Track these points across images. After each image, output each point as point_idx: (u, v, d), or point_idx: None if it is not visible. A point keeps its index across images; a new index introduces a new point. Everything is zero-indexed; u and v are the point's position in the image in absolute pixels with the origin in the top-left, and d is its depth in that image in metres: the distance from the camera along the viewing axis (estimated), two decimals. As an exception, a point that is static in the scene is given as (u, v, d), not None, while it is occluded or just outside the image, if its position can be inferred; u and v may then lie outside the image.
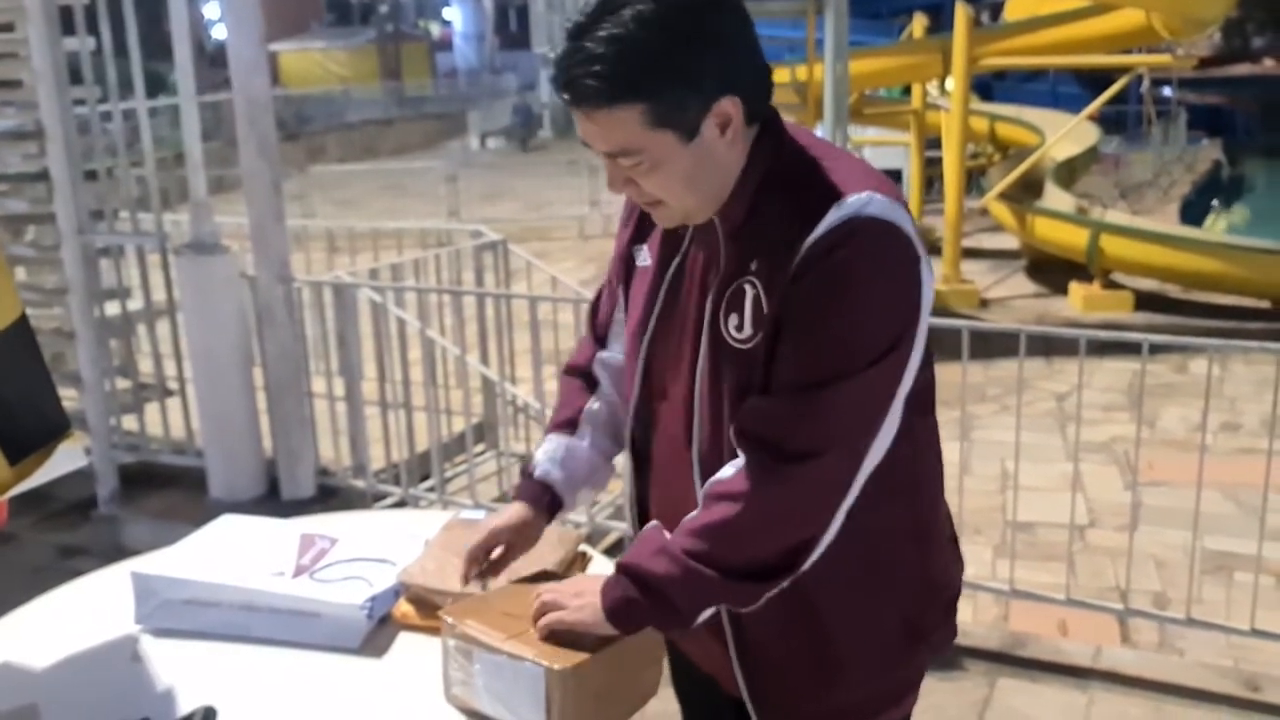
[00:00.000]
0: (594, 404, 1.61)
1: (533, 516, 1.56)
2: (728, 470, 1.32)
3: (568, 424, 1.61)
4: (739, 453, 1.32)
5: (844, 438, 1.29)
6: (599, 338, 1.65)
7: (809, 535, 1.30)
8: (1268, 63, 41.48)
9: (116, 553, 4.02)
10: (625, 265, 1.52)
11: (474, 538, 1.54)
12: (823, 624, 1.41)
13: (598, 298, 1.67)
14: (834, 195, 1.26)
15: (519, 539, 1.55)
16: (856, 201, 1.26)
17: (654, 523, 1.39)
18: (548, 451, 1.60)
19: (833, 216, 1.25)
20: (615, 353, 1.61)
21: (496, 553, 1.54)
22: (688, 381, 1.40)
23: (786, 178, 1.32)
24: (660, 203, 1.33)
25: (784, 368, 1.29)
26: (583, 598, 1.35)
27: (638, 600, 1.32)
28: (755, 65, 1.30)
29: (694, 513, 1.34)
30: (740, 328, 1.32)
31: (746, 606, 1.34)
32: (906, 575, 1.45)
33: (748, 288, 1.31)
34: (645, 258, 1.47)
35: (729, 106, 1.27)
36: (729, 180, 1.33)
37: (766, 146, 1.33)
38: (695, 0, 1.23)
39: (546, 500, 1.57)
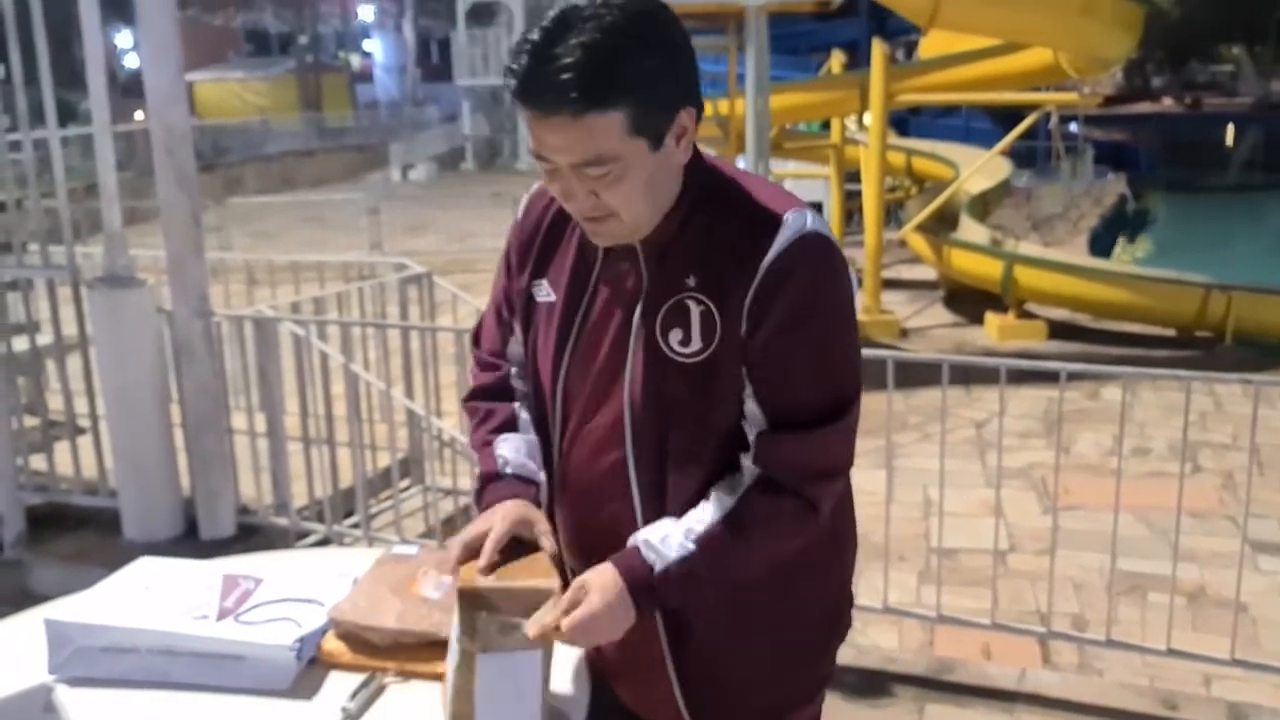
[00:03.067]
0: (523, 413, 1.57)
1: (530, 509, 1.46)
2: (741, 492, 1.36)
3: (509, 425, 1.56)
4: (750, 475, 1.37)
5: (853, 448, 1.42)
6: (495, 365, 1.61)
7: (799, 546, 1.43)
8: (1166, 101, 43.27)
9: (24, 599, 3.86)
10: (525, 301, 1.51)
11: (467, 533, 1.43)
12: (757, 623, 1.47)
13: (478, 330, 1.66)
14: (773, 214, 1.32)
15: (524, 530, 1.43)
16: (797, 219, 1.32)
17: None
18: (514, 448, 1.52)
19: (783, 236, 1.31)
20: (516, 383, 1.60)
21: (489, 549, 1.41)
22: (616, 405, 1.41)
23: (714, 197, 1.36)
24: (612, 215, 1.32)
25: (802, 397, 1.35)
26: (598, 590, 1.33)
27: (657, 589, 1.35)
28: (698, 80, 1.34)
29: (705, 522, 1.34)
30: (686, 342, 1.35)
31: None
32: (831, 574, 1.54)
33: (691, 304, 1.34)
34: (547, 293, 1.47)
35: (687, 118, 1.32)
36: (673, 195, 1.36)
37: (695, 169, 1.38)
38: (656, 12, 1.27)
39: (533, 493, 1.49)
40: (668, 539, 1.35)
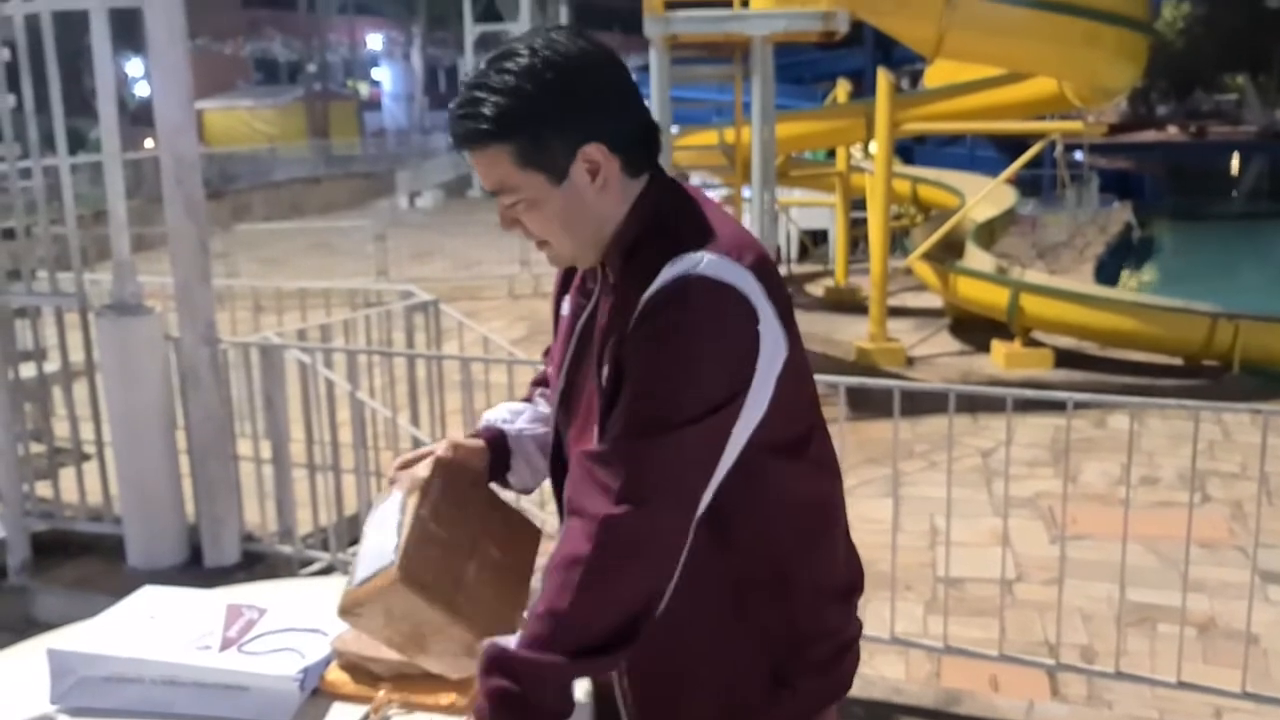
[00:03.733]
0: (538, 397, 1.70)
1: (473, 441, 1.61)
2: (562, 534, 1.33)
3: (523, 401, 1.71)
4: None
5: (668, 489, 1.31)
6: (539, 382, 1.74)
7: (653, 590, 1.31)
8: (1171, 129, 43.41)
9: (28, 626, 3.87)
10: (556, 314, 1.60)
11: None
12: (687, 668, 1.45)
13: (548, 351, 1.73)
14: (673, 253, 1.33)
15: (457, 451, 1.56)
16: (689, 260, 1.32)
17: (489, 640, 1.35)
18: (498, 410, 1.68)
19: (666, 274, 1.32)
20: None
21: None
22: (590, 428, 1.44)
23: (658, 233, 1.38)
24: (546, 243, 1.42)
25: (616, 417, 1.34)
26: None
27: (497, 704, 1.28)
28: (632, 120, 1.39)
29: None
30: (605, 377, 1.39)
31: (601, 675, 1.41)
32: (770, 624, 1.46)
33: (611, 339, 1.39)
34: (565, 307, 1.55)
35: (595, 153, 1.36)
36: (605, 227, 1.40)
37: (647, 200, 1.41)
38: (572, 57, 1.34)
39: (489, 436, 1.63)
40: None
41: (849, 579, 1.57)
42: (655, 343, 1.32)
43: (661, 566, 1.32)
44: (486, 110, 1.33)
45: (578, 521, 1.31)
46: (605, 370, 1.38)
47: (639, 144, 1.40)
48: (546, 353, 1.71)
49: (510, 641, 1.30)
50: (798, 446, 1.45)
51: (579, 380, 1.48)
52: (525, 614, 1.35)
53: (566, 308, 1.55)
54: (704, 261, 1.32)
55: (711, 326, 1.32)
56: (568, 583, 1.28)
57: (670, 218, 1.40)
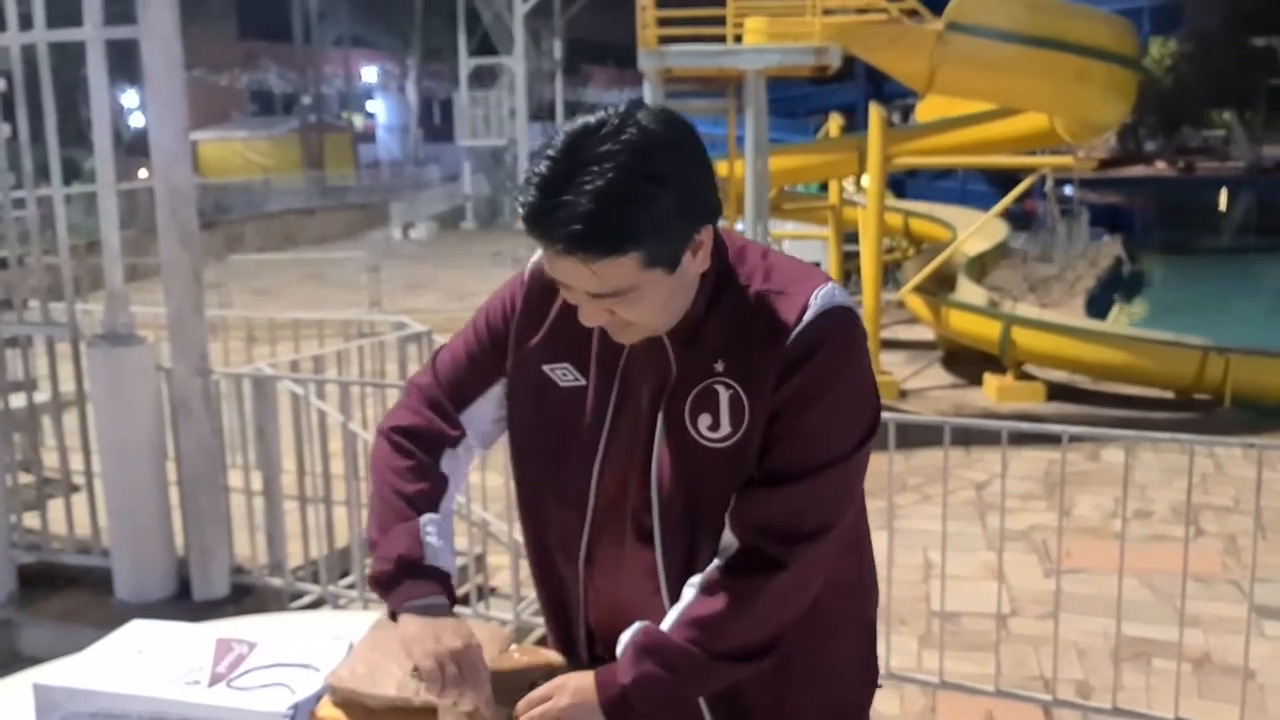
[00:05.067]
0: (449, 502, 1.51)
1: (463, 626, 1.44)
2: (717, 563, 1.37)
3: (435, 497, 1.48)
4: (731, 544, 1.36)
5: (840, 513, 1.39)
6: (443, 410, 1.54)
7: (799, 610, 1.39)
8: (1160, 165, 43.77)
9: (13, 660, 3.82)
10: (534, 379, 1.47)
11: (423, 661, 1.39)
12: (793, 678, 1.46)
13: (438, 356, 1.59)
14: (802, 292, 1.34)
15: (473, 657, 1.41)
16: (826, 294, 1.34)
17: (641, 624, 1.38)
18: (439, 531, 1.46)
19: (812, 311, 1.33)
20: (471, 441, 1.53)
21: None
22: (641, 489, 1.42)
23: (739, 279, 1.37)
24: (630, 324, 1.33)
25: (783, 455, 1.35)
26: (570, 694, 1.35)
27: (643, 688, 1.32)
28: (716, 187, 1.33)
29: (684, 605, 1.36)
30: (715, 427, 1.36)
31: (718, 688, 1.39)
32: (858, 622, 1.55)
33: (720, 389, 1.36)
34: (572, 377, 1.44)
35: (705, 235, 1.32)
36: (692, 294, 1.36)
37: (721, 249, 1.38)
38: (671, 134, 1.26)
39: (447, 590, 1.46)
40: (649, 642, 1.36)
41: None
42: (823, 379, 1.33)
43: (813, 590, 1.39)
44: (610, 220, 1.21)
45: (762, 547, 1.34)
46: (707, 420, 1.36)
47: (720, 207, 1.37)
48: (439, 357, 1.58)
49: (666, 627, 1.35)
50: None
51: (619, 447, 1.41)
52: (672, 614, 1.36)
53: (571, 377, 1.44)
54: (835, 292, 1.36)
55: (860, 354, 1.37)
56: (743, 595, 1.33)
57: (757, 263, 1.39)
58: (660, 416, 1.38)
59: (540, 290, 1.47)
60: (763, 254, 1.42)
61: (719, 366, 1.35)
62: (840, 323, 1.34)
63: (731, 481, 1.36)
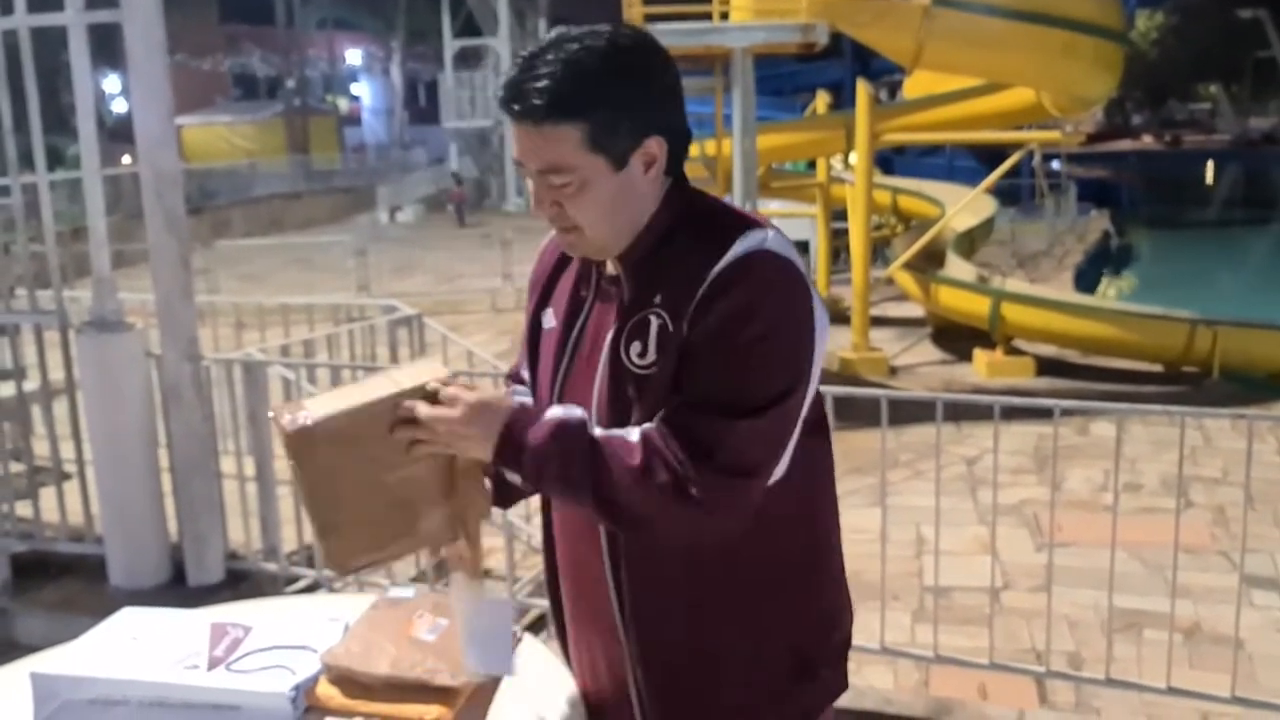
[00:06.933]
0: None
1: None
2: (655, 430, 1.36)
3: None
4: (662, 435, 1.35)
5: (763, 465, 1.37)
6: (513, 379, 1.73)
7: (691, 539, 1.38)
8: (1146, 139, 43.83)
9: (9, 649, 3.81)
10: (531, 329, 1.59)
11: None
12: (713, 645, 1.45)
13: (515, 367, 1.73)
14: (736, 231, 1.37)
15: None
16: (757, 236, 1.37)
17: (576, 411, 1.40)
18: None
19: (737, 249, 1.35)
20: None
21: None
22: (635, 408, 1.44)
23: (693, 222, 1.42)
24: (577, 229, 1.40)
25: (709, 390, 1.34)
26: (475, 419, 1.36)
27: (538, 462, 1.35)
28: (682, 120, 1.42)
29: (619, 434, 1.36)
30: (643, 354, 1.39)
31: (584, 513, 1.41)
32: (798, 604, 1.50)
33: (652, 318, 1.39)
34: (550, 320, 1.54)
35: (655, 147, 1.38)
36: (641, 218, 1.42)
37: (680, 196, 1.45)
38: (643, 45, 1.38)
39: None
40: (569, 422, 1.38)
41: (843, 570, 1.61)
42: (737, 317, 1.33)
43: (722, 530, 1.38)
44: (562, 83, 1.31)
45: (680, 454, 1.32)
46: (637, 347, 1.39)
47: (682, 145, 1.43)
48: (509, 376, 1.73)
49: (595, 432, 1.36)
50: (821, 425, 1.50)
51: (573, 386, 1.48)
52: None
53: (550, 320, 1.54)
54: (770, 237, 1.37)
55: (785, 301, 1.36)
56: (651, 478, 1.32)
57: (703, 210, 1.44)
58: (605, 347, 1.43)
59: (544, 255, 1.60)
60: (725, 207, 1.46)
61: (657, 299, 1.39)
62: (761, 267, 1.35)
63: (654, 407, 1.38)
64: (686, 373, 1.35)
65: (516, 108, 1.33)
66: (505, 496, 1.56)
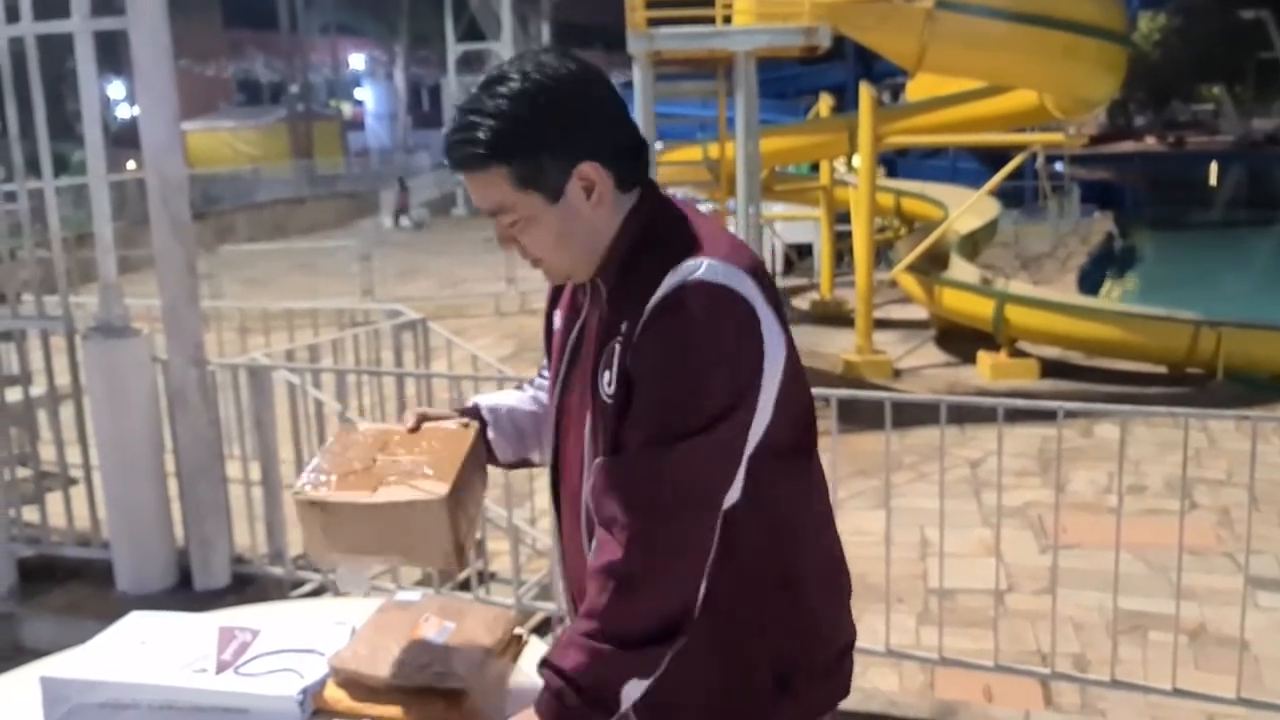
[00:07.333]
0: (529, 389, 1.75)
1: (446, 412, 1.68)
2: (596, 543, 1.39)
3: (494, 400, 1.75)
4: (593, 516, 1.39)
5: (692, 498, 1.36)
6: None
7: (688, 593, 1.36)
8: (1150, 140, 43.77)
9: (16, 654, 3.83)
10: (547, 329, 1.63)
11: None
12: (688, 669, 1.43)
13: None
14: (671, 261, 1.36)
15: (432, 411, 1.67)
16: (689, 267, 1.36)
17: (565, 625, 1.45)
18: (489, 398, 1.75)
19: (668, 282, 1.35)
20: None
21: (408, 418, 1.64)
22: (581, 438, 1.48)
23: (654, 244, 1.41)
24: (540, 260, 1.45)
25: (632, 426, 1.37)
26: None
27: (565, 692, 1.33)
28: (623, 135, 1.43)
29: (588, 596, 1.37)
30: (610, 384, 1.41)
31: (653, 673, 1.37)
32: (776, 624, 1.48)
33: (617, 346, 1.41)
34: (558, 320, 1.58)
35: (590, 171, 1.39)
36: (600, 241, 1.44)
37: (640, 213, 1.44)
38: (563, 80, 1.38)
39: (469, 409, 1.69)
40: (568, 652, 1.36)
41: (847, 582, 1.60)
42: (663, 351, 1.34)
43: (691, 570, 1.36)
44: (481, 135, 1.36)
45: (608, 533, 1.35)
46: (607, 376, 1.41)
47: (630, 159, 1.44)
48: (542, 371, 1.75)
49: (559, 658, 1.35)
50: (800, 449, 1.48)
51: (572, 391, 1.51)
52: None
53: (558, 322, 1.58)
54: (703, 267, 1.35)
55: (714, 331, 1.35)
56: (604, 587, 1.34)
57: (664, 229, 1.43)
58: (589, 374, 1.46)
59: None
60: (682, 224, 1.44)
61: (623, 326, 1.40)
62: (695, 293, 1.34)
63: (615, 441, 1.40)
64: (632, 401, 1.38)
65: (449, 161, 1.42)
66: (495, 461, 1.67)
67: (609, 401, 1.40)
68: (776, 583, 1.47)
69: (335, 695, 1.54)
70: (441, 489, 1.47)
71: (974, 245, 11.96)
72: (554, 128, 1.37)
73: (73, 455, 4.46)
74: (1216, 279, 17.87)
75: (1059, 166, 20.94)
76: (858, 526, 4.73)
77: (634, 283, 1.39)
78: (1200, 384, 8.20)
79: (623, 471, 1.36)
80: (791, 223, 13.74)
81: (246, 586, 4.19)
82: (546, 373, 1.66)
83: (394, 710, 1.50)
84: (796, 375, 1.44)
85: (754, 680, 1.47)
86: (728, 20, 8.72)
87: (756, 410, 1.38)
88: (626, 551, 1.33)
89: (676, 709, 1.47)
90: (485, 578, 4.27)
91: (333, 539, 1.51)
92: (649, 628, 1.34)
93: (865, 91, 8.91)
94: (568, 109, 1.38)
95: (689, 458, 1.34)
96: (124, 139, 21.62)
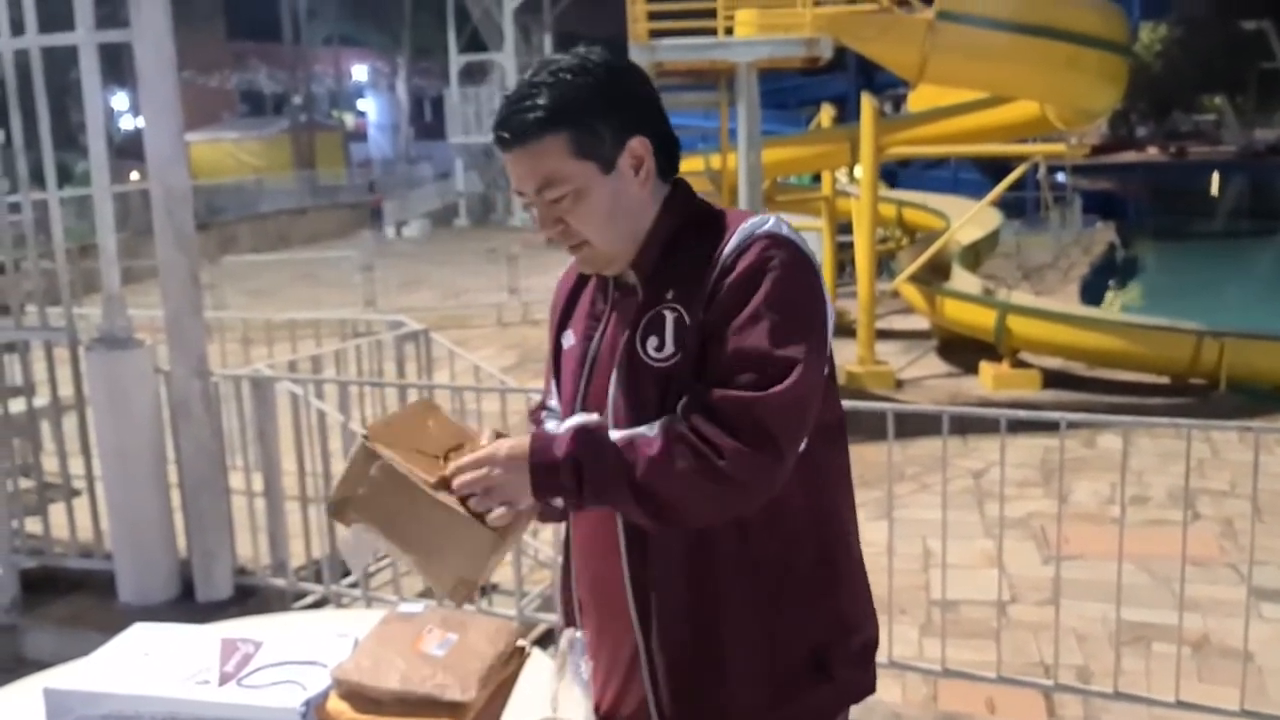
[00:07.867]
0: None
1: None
2: (670, 421, 1.39)
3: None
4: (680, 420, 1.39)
5: (787, 433, 1.37)
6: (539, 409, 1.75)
7: (721, 507, 1.40)
8: (1151, 150, 43.80)
9: (18, 665, 3.83)
10: (555, 349, 1.64)
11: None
12: (732, 645, 1.47)
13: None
14: (739, 220, 1.45)
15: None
16: (760, 219, 1.45)
17: (586, 417, 1.46)
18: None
19: (741, 231, 1.43)
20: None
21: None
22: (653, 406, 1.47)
23: (695, 222, 1.49)
24: (585, 243, 1.47)
25: (730, 364, 1.38)
26: (504, 461, 1.41)
27: (574, 469, 1.38)
28: (665, 125, 1.51)
29: (633, 431, 1.39)
30: (660, 348, 1.43)
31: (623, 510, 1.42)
32: (816, 605, 1.52)
33: (667, 313, 1.44)
34: (570, 339, 1.59)
35: (640, 147, 1.46)
36: (643, 223, 1.49)
37: (678, 200, 1.52)
38: (615, 64, 1.47)
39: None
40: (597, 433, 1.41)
41: (868, 582, 1.63)
42: (749, 290, 1.39)
43: (748, 501, 1.40)
44: (543, 100, 1.41)
45: (713, 436, 1.35)
46: (654, 341, 1.43)
47: (668, 149, 1.50)
48: (534, 411, 1.75)
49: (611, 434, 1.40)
50: (837, 431, 1.53)
51: (596, 389, 1.51)
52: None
53: (569, 339, 1.58)
54: (771, 221, 1.44)
55: (801, 271, 1.41)
56: (677, 453, 1.35)
57: (702, 213, 1.50)
58: (621, 348, 1.47)
59: (563, 282, 1.67)
60: (728, 210, 1.51)
61: (669, 295, 1.45)
62: (765, 242, 1.41)
63: (673, 401, 1.41)
64: (710, 355, 1.40)
65: (506, 135, 1.43)
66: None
67: (660, 365, 1.42)
68: (815, 558, 1.51)
69: (338, 707, 1.54)
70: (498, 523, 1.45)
71: (976, 256, 11.96)
72: (610, 100, 1.43)
73: (76, 466, 4.46)
74: (1219, 289, 17.85)
75: (1061, 177, 20.97)
76: (860, 537, 4.73)
77: (680, 261, 1.45)
78: (1203, 395, 8.19)
79: (714, 411, 1.36)
80: (793, 233, 13.74)
81: (249, 598, 4.19)
82: (553, 401, 1.66)
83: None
84: (830, 354, 1.49)
85: (792, 653, 1.50)
86: (729, 32, 8.76)
87: (824, 363, 1.44)
88: (708, 472, 1.34)
89: (707, 678, 1.49)
90: (487, 589, 4.27)
91: (368, 503, 1.47)
92: (674, 501, 1.37)
93: (867, 102, 8.92)
94: (623, 86, 1.46)
95: (778, 397, 1.36)
96: (128, 150, 21.70)
